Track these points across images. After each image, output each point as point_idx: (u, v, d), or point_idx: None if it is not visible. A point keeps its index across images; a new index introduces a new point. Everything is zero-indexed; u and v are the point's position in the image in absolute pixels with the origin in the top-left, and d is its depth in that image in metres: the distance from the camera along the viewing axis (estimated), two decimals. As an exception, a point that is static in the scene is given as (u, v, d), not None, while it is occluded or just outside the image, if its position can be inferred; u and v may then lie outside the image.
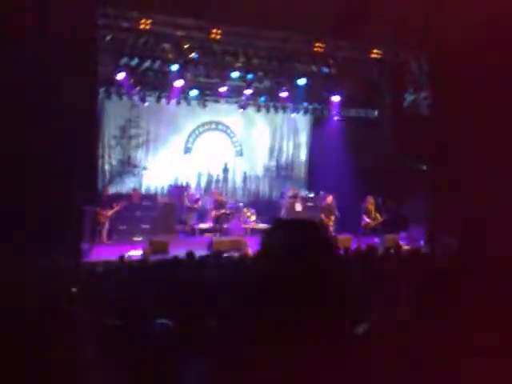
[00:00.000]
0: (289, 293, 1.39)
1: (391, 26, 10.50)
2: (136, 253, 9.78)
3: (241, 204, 15.22)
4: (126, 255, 8.93)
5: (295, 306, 1.39)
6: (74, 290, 4.24)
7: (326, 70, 13.55)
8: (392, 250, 7.71)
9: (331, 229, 11.84)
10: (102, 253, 10.13)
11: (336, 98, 15.28)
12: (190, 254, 7.45)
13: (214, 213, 12.74)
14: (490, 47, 10.13)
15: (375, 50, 12.69)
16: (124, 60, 12.78)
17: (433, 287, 3.68)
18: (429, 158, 12.43)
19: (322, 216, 12.07)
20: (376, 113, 15.90)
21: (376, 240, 11.73)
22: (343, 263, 1.57)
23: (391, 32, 10.91)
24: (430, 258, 6.61)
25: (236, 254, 8.91)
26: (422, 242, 11.75)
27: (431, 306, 2.89)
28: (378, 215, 12.15)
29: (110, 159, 15.14)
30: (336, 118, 15.91)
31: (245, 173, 16.93)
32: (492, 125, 10.40)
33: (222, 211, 12.82)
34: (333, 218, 11.92)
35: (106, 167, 15.04)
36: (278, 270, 1.42)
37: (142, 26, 11.06)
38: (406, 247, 10.23)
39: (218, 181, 16.45)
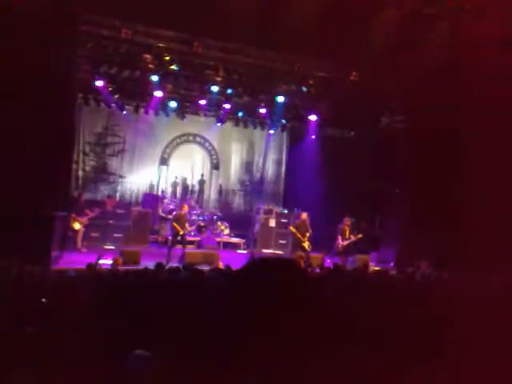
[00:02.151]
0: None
1: (370, 50, 10.74)
2: (106, 261, 9.65)
3: (215, 217, 15.23)
4: (96, 263, 8.80)
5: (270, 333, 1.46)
6: (43, 300, 4.17)
7: (304, 89, 13.73)
8: (358, 270, 7.82)
9: (306, 246, 11.87)
10: (73, 260, 9.98)
11: (313, 117, 15.50)
12: (159, 266, 7.41)
13: (180, 229, 12.06)
14: (464, 73, 10.46)
15: (354, 73, 12.92)
16: (104, 68, 12.75)
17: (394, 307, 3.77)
18: (401, 181, 12.65)
19: (294, 230, 12.11)
20: (352, 133, 16.19)
21: (348, 260, 11.87)
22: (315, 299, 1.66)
23: (370, 56, 11.14)
24: (396, 280, 6.74)
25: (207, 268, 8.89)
26: (391, 264, 11.93)
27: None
28: (351, 236, 12.29)
29: (84, 165, 15.04)
30: (313, 137, 16.11)
31: (220, 186, 16.99)
32: (466, 150, 10.68)
33: (186, 226, 12.20)
34: (307, 234, 11.98)
35: (80, 173, 14.91)
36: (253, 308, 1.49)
37: (123, 35, 11.07)
38: (375, 268, 10.36)
39: (193, 192, 16.47)
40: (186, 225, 12.13)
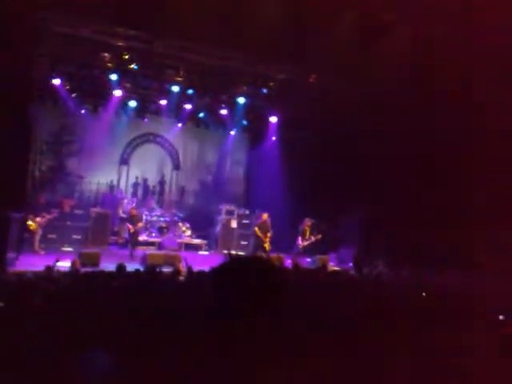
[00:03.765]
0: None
1: (329, 53, 10.93)
2: (64, 264, 9.45)
3: (176, 218, 15.15)
4: (54, 266, 8.63)
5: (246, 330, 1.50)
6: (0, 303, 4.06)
7: (265, 90, 13.84)
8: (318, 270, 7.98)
9: (267, 247, 11.99)
10: (30, 262, 9.73)
11: (274, 119, 15.64)
12: (120, 268, 7.32)
13: (130, 227, 12.39)
14: (424, 75, 10.79)
15: (313, 75, 13.13)
16: (61, 66, 12.51)
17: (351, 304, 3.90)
18: (360, 182, 12.90)
19: (258, 232, 12.20)
20: (312, 135, 16.36)
21: (308, 260, 12.04)
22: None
23: (329, 59, 11.33)
24: (354, 279, 6.91)
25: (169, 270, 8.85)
26: (350, 264, 12.17)
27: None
28: (311, 236, 12.48)
29: (41, 165, 14.66)
30: (273, 138, 16.24)
31: (182, 187, 16.91)
32: (424, 150, 11.02)
33: (139, 225, 12.50)
34: (269, 234, 12.10)
35: (37, 173, 14.52)
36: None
37: (81, 34, 10.90)
38: (334, 268, 10.57)
39: (154, 193, 16.32)
40: (139, 224, 12.31)
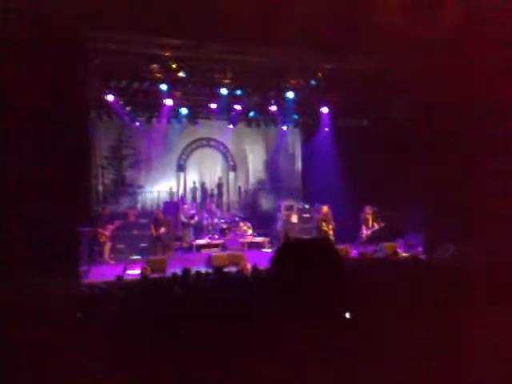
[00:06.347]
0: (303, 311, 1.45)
1: (377, 37, 10.63)
2: (134, 272, 9.78)
3: (237, 218, 15.29)
4: (125, 274, 8.97)
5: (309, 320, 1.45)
6: (79, 315, 4.20)
7: (313, 82, 13.69)
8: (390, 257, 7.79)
9: (331, 238, 11.88)
10: (101, 273, 10.13)
11: (325, 110, 15.44)
12: (186, 271, 7.49)
13: (152, 230, 12.58)
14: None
15: (361, 62, 12.82)
16: (113, 82, 12.93)
17: (430, 290, 3.76)
18: (417, 167, 12.47)
19: (323, 224, 12.12)
20: (365, 122, 16.05)
21: (375, 248, 11.81)
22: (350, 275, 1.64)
23: (377, 43, 11.03)
24: (428, 264, 6.69)
25: (234, 269, 8.94)
26: (419, 249, 11.83)
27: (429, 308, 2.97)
28: (375, 224, 12.24)
29: (103, 179, 15.22)
30: (326, 129, 16.06)
31: (239, 187, 17.05)
32: (489, 132, 10.49)
33: (161, 230, 12.62)
34: (331, 226, 11.99)
35: (100, 188, 15.10)
36: (292, 289, 1.48)
37: (128, 48, 11.19)
38: (403, 254, 10.30)
39: (212, 196, 16.56)
40: (161, 228, 12.60)
